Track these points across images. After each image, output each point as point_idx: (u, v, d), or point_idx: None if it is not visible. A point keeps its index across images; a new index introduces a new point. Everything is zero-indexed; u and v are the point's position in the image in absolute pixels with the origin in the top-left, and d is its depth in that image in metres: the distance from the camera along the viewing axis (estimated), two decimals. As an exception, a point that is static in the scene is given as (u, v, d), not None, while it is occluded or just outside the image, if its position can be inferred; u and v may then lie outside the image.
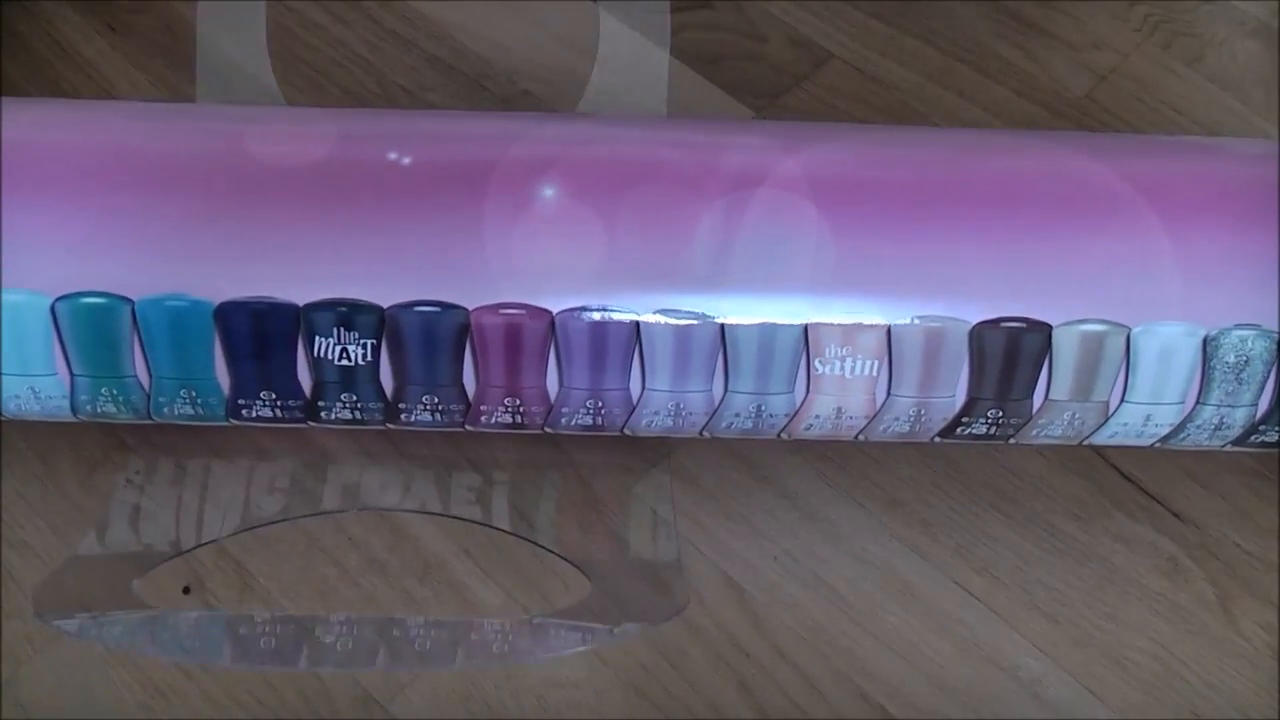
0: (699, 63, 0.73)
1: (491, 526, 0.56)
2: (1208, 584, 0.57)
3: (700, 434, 0.52)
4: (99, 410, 0.51)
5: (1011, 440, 0.52)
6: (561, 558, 0.55)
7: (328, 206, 0.48)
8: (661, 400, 0.50)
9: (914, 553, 0.57)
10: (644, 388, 0.49)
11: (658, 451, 0.59)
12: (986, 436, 0.52)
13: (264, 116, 0.52)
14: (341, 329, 0.48)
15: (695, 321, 0.48)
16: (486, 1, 0.73)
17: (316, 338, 0.48)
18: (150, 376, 0.49)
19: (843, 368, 0.49)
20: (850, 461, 0.59)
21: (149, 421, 0.52)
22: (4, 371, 0.49)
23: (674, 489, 0.57)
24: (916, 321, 0.48)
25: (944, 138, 0.53)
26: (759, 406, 0.50)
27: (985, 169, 0.50)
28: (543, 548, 0.55)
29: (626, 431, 0.52)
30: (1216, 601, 0.56)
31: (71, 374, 0.49)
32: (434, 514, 0.56)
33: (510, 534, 0.56)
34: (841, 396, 0.49)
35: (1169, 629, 0.56)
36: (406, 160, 0.49)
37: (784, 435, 0.52)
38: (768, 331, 0.48)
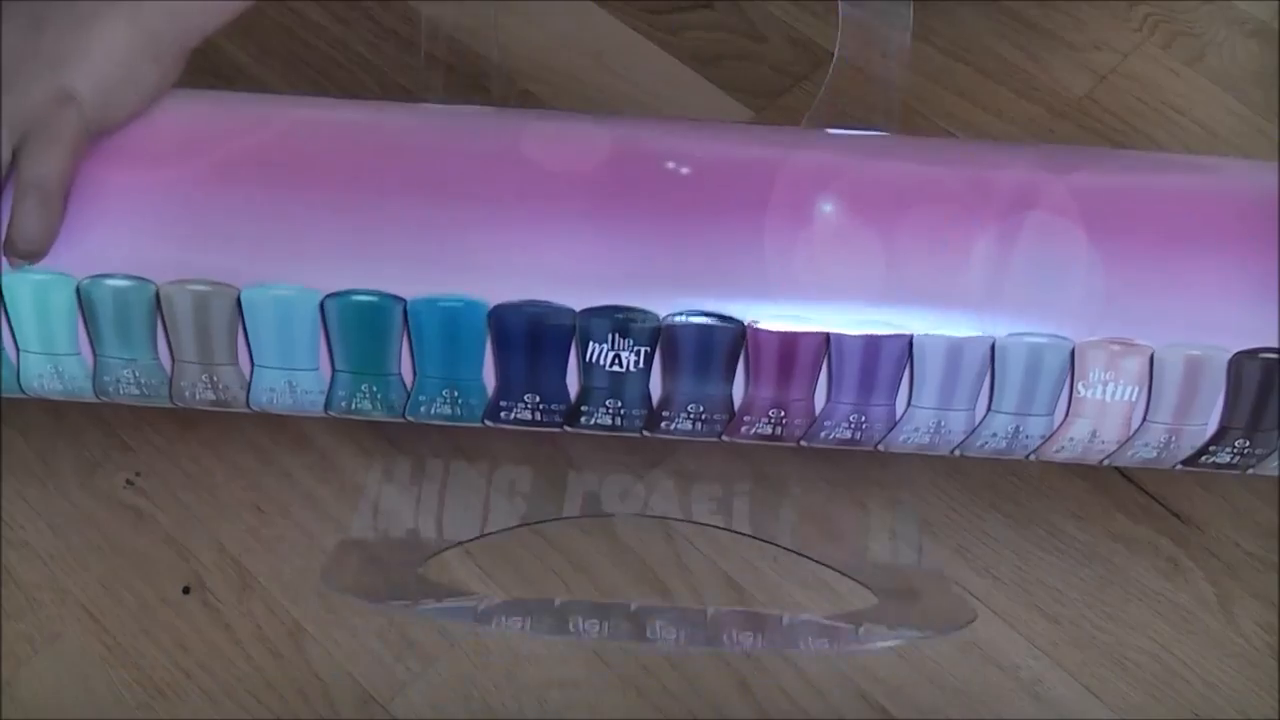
0: (699, 63, 0.73)
1: (733, 531, 0.57)
2: (1208, 584, 0.57)
3: (951, 453, 0.52)
4: (353, 407, 0.50)
5: (1250, 471, 0.52)
6: (813, 559, 0.56)
7: (606, 213, 0.48)
8: (925, 418, 0.50)
9: (914, 552, 0.57)
10: (910, 404, 0.49)
11: (659, 452, 0.59)
12: (1228, 466, 0.52)
13: (536, 120, 0.52)
14: (617, 335, 0.48)
15: (972, 336, 0.48)
16: (487, 1, 0.73)
17: (590, 343, 0.48)
18: (414, 375, 0.49)
19: (1104, 392, 0.49)
20: (850, 461, 0.59)
21: (400, 420, 0.51)
22: (257, 363, 0.49)
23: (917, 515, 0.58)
24: (1177, 348, 0.48)
25: (1201, 165, 0.54)
26: (1017, 427, 0.50)
27: (1246, 200, 0.50)
28: (790, 550, 0.56)
29: (880, 448, 0.52)
30: (1216, 601, 0.56)
31: (334, 369, 0.49)
32: (676, 520, 0.57)
33: (752, 537, 0.57)
34: (1099, 420, 0.49)
35: (1169, 629, 0.56)
36: (685, 170, 0.49)
37: (1033, 457, 0.52)
38: (1036, 352, 0.48)
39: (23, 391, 0.51)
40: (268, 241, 0.48)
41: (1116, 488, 0.59)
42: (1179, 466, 0.52)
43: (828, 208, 0.49)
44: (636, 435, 0.51)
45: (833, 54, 0.56)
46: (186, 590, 0.55)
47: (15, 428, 0.58)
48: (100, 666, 0.53)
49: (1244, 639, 0.55)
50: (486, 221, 0.48)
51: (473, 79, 0.70)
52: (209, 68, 0.69)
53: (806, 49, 0.73)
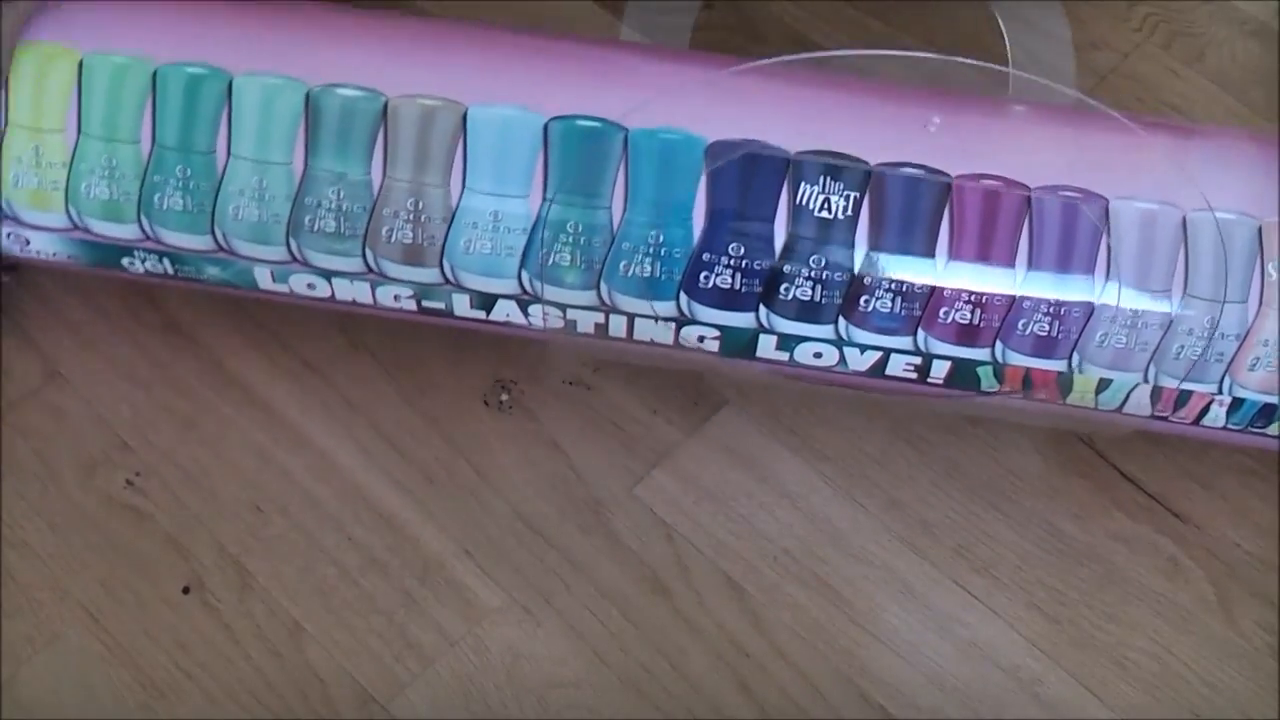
0: (699, 63, 0.73)
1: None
2: (1208, 584, 0.57)
3: (1146, 372, 0.51)
4: (551, 260, 0.50)
5: None
6: None
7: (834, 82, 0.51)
8: (1113, 314, 0.49)
9: (914, 553, 0.57)
10: (1109, 279, 0.49)
11: (656, 452, 0.59)
12: None
13: None
14: (828, 179, 0.49)
15: (1163, 206, 0.48)
16: (487, 1, 0.73)
17: (802, 185, 0.49)
18: (624, 211, 0.49)
19: None
20: (850, 461, 0.59)
21: (595, 290, 0.51)
22: (469, 187, 0.49)
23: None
24: None
25: None
26: (1213, 320, 0.49)
27: None
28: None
29: (1075, 355, 0.51)
30: (1216, 601, 0.56)
31: (545, 199, 0.49)
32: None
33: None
34: None
35: (1169, 629, 0.56)
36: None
37: (1224, 392, 0.51)
38: (1226, 228, 0.48)
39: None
40: (492, 65, 0.49)
41: (1116, 488, 0.59)
42: None
43: (1020, 108, 0.51)
44: (829, 335, 0.51)
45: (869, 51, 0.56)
46: (186, 590, 0.55)
47: (15, 428, 0.58)
48: (100, 666, 0.53)
49: (1244, 639, 0.55)
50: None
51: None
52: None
53: (806, 48, 0.73)
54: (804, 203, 0.49)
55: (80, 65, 0.51)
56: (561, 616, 0.55)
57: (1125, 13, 0.76)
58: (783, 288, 0.50)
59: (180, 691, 0.53)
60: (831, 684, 0.54)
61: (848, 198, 0.49)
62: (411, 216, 0.50)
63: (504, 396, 0.60)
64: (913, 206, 0.49)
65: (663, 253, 0.50)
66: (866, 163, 0.49)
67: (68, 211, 0.52)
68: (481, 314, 0.53)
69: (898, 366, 0.52)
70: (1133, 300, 0.49)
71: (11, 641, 0.54)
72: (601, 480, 0.58)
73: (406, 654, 0.54)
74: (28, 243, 0.54)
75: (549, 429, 0.59)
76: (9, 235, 0.54)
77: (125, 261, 0.54)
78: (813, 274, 0.50)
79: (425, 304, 0.53)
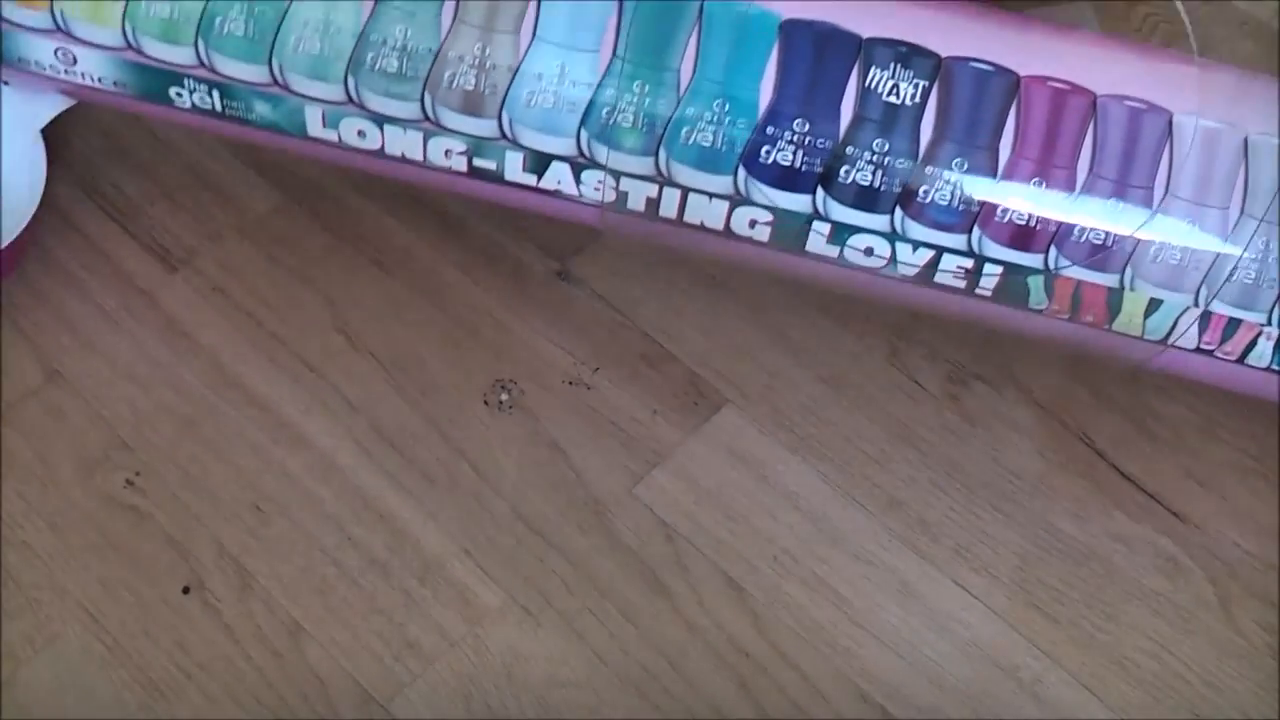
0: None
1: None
2: (1208, 584, 0.57)
3: (1197, 294, 0.50)
4: (614, 120, 0.50)
5: None
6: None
7: None
8: (1180, 213, 0.49)
9: (914, 553, 0.57)
10: (1167, 192, 0.49)
11: (656, 452, 0.59)
12: None
13: None
14: (899, 65, 0.49)
15: (1225, 126, 0.49)
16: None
17: (873, 68, 0.49)
18: (692, 76, 0.49)
19: None
20: (850, 461, 0.59)
21: (654, 157, 0.50)
22: (539, 36, 0.49)
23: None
24: None
25: None
26: (1267, 244, 0.49)
27: None
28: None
29: (1129, 269, 0.50)
30: (1216, 601, 0.56)
31: (613, 56, 0.49)
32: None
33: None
34: None
35: (1169, 629, 0.56)
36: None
37: (1277, 307, 0.50)
38: None
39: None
40: None
41: (1116, 488, 0.59)
42: None
43: (1088, 30, 0.52)
44: (884, 227, 0.50)
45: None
46: (186, 590, 0.55)
47: (15, 428, 0.58)
48: (100, 666, 0.53)
49: (1244, 639, 0.55)
50: None
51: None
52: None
53: None
54: (873, 86, 0.49)
55: None
56: (561, 616, 0.55)
57: (1125, 13, 0.76)
58: (843, 170, 0.50)
59: (180, 691, 0.53)
60: (831, 684, 0.54)
61: (917, 85, 0.49)
62: (476, 62, 0.49)
63: (504, 396, 0.60)
64: (980, 100, 0.49)
65: (726, 122, 0.50)
66: (938, 54, 0.49)
67: (123, 28, 0.51)
68: (533, 178, 0.52)
69: (948, 270, 0.51)
70: (1189, 214, 0.49)
71: (11, 641, 0.54)
72: (601, 480, 0.58)
73: (406, 654, 0.54)
74: (74, 61, 0.53)
75: (549, 429, 0.59)
76: (57, 51, 0.52)
77: (174, 93, 0.53)
78: (874, 158, 0.49)
79: (476, 163, 0.52)
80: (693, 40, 0.49)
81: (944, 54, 0.49)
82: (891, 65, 0.49)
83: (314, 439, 0.59)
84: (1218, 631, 0.56)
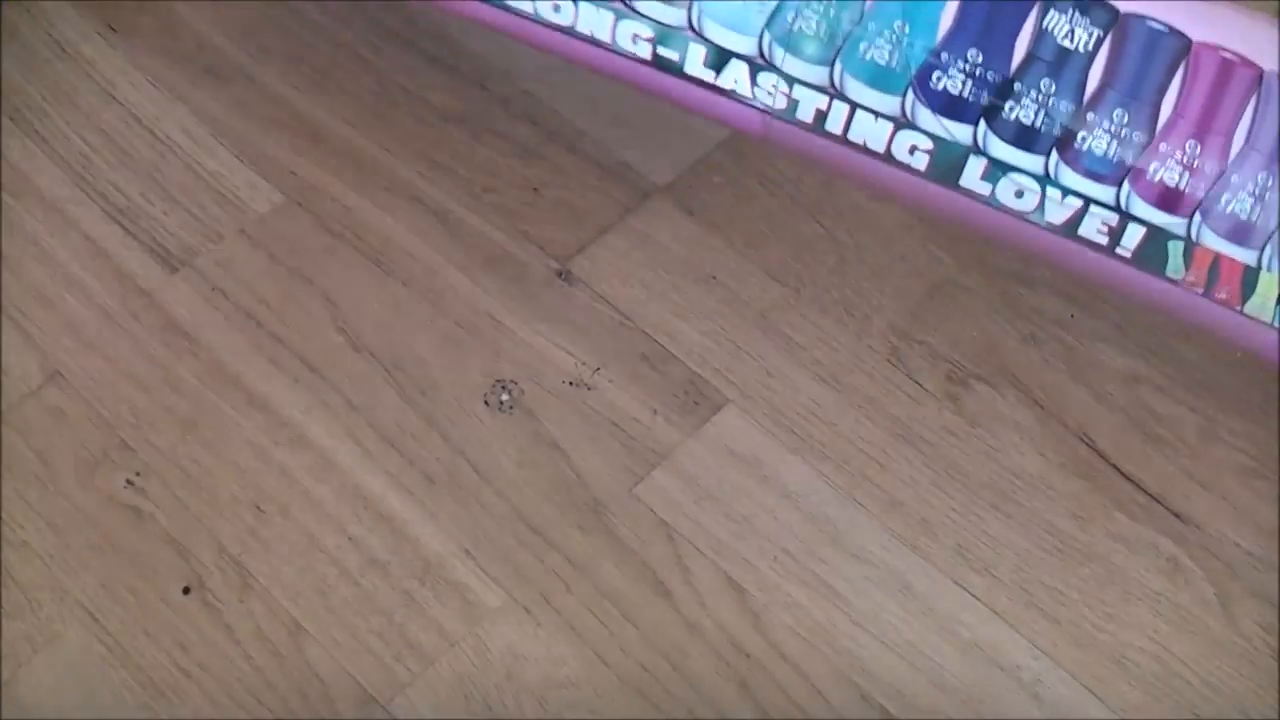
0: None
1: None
2: (1208, 584, 0.57)
3: None
4: (795, 27, 0.51)
5: None
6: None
7: None
8: None
9: (914, 553, 0.57)
10: None
11: (656, 452, 0.59)
12: None
13: None
14: (1078, 12, 0.50)
15: None
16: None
17: (1052, 11, 0.50)
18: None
19: None
20: (850, 461, 0.59)
21: (829, 68, 0.51)
22: None
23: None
24: None
25: None
26: None
27: None
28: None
29: (1269, 247, 0.51)
30: (1216, 601, 0.56)
31: None
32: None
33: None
34: None
35: (1169, 629, 0.56)
36: None
37: None
38: None
39: None
40: None
41: (1116, 488, 0.59)
42: None
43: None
44: (1038, 169, 0.51)
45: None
46: (186, 590, 0.55)
47: (15, 428, 0.58)
48: (100, 666, 0.53)
49: (1244, 639, 0.55)
50: None
51: (473, 79, 0.70)
52: (209, 67, 0.69)
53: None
54: (1049, 28, 0.50)
55: None
56: (561, 616, 0.55)
57: None
58: (1008, 105, 0.51)
59: (180, 691, 0.53)
60: (831, 684, 0.54)
61: (1091, 33, 0.50)
62: None
63: (504, 396, 0.60)
64: (1150, 57, 0.50)
65: (904, 43, 0.51)
66: (1117, 9, 0.50)
67: None
68: (711, 74, 0.53)
69: (1092, 226, 0.52)
70: None
71: (11, 641, 0.54)
72: (602, 480, 0.58)
73: (406, 654, 0.54)
74: None
75: (549, 429, 0.59)
76: None
77: None
78: (1039, 98, 0.51)
79: (660, 51, 0.53)
80: None
81: (1122, 10, 0.50)
82: (1070, 10, 0.50)
83: (314, 439, 0.59)
84: (1218, 631, 0.56)
